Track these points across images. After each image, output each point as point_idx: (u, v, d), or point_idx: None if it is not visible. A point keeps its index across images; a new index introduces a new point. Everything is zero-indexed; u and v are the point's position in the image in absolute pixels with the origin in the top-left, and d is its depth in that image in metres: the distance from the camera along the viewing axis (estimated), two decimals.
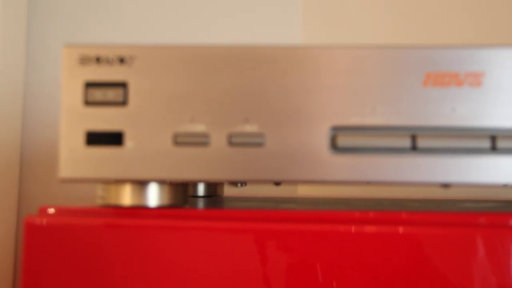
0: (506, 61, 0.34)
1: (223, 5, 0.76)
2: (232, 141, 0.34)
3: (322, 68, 0.34)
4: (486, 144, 0.33)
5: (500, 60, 0.34)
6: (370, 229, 0.33)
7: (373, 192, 0.67)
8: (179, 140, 0.34)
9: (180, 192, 0.38)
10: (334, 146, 0.34)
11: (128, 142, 0.34)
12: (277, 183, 0.40)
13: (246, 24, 0.76)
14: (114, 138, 0.34)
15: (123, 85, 0.34)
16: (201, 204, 0.46)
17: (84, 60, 0.34)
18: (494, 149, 0.33)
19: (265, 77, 0.34)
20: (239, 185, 0.54)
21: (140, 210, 0.36)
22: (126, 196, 0.36)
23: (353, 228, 0.33)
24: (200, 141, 0.34)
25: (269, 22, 0.76)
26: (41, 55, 0.76)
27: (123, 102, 0.34)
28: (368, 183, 0.34)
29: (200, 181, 0.35)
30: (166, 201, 0.37)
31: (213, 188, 0.60)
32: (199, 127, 0.34)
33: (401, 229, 0.33)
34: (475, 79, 0.34)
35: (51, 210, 0.36)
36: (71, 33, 0.76)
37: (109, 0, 0.76)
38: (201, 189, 0.59)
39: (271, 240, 0.33)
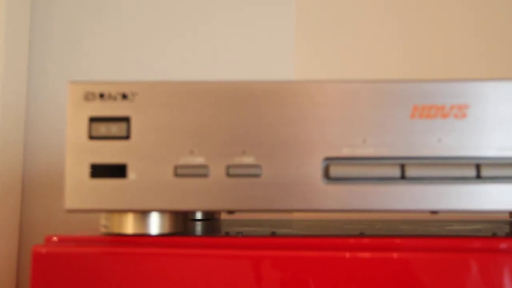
0: (489, 94, 0.36)
1: (216, 41, 0.78)
2: (230, 173, 0.35)
3: (314, 102, 0.36)
4: (472, 172, 0.35)
5: (484, 93, 0.36)
6: (365, 255, 0.35)
7: (365, 214, 0.69)
8: (180, 172, 0.35)
9: (180, 219, 0.39)
10: (327, 176, 0.35)
11: (131, 174, 0.36)
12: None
13: (242, 59, 0.78)
14: (117, 171, 0.36)
15: (126, 119, 0.36)
16: (200, 229, 0.47)
17: (88, 96, 0.36)
18: (479, 177, 0.35)
19: (260, 111, 0.36)
20: None
21: (142, 238, 0.37)
22: (129, 225, 0.38)
23: (348, 255, 0.35)
24: (199, 172, 0.35)
25: (263, 56, 0.78)
26: (41, 81, 0.77)
27: (126, 136, 0.36)
28: (360, 211, 0.36)
29: (200, 210, 0.36)
30: (167, 229, 0.38)
31: (210, 212, 0.62)
32: (199, 159, 0.36)
33: (395, 255, 0.35)
34: (460, 111, 0.36)
35: (57, 239, 0.38)
36: (70, 65, 0.78)
37: (106, 38, 0.78)
38: (199, 213, 0.61)
39: (269, 267, 0.35)
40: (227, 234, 0.41)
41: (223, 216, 0.66)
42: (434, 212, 0.37)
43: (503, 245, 0.35)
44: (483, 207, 0.35)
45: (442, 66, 0.76)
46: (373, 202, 0.35)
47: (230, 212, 0.36)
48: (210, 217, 0.62)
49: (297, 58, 0.78)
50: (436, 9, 0.77)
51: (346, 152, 0.35)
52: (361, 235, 0.39)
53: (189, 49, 0.78)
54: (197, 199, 0.35)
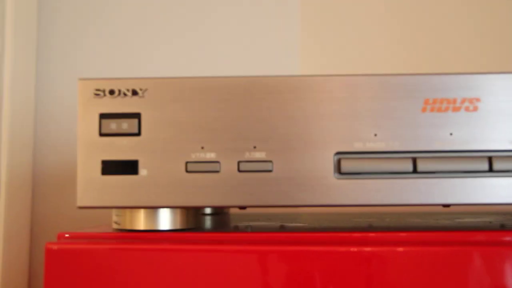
0: (500, 86, 0.35)
1: (222, 40, 0.78)
2: (242, 168, 0.35)
3: (325, 97, 0.35)
4: (484, 166, 0.35)
5: (495, 85, 0.35)
6: (369, 249, 0.35)
7: (377, 208, 0.69)
8: (191, 168, 0.35)
9: (192, 215, 0.39)
10: (339, 170, 0.35)
11: (142, 170, 0.36)
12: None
13: (248, 57, 0.77)
14: (128, 167, 0.36)
15: (136, 116, 0.36)
16: (209, 224, 0.47)
17: (98, 93, 0.36)
18: (491, 170, 0.35)
19: (271, 106, 0.36)
20: None
21: (153, 234, 0.37)
22: (140, 221, 0.38)
23: (353, 249, 0.35)
24: (211, 168, 0.35)
25: (270, 54, 0.78)
26: (50, 79, 0.77)
27: (137, 133, 0.36)
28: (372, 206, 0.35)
29: (212, 207, 0.36)
30: (178, 225, 0.38)
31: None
32: (210, 155, 0.35)
33: (400, 249, 0.34)
34: (471, 104, 0.35)
35: (69, 236, 0.38)
36: (77, 64, 0.78)
37: (112, 37, 0.78)
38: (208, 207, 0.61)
39: (277, 261, 0.35)
40: (236, 229, 0.41)
41: (232, 209, 0.66)
42: (446, 205, 0.37)
43: (508, 238, 0.35)
44: (495, 200, 0.35)
45: (448, 60, 0.76)
46: (385, 197, 0.35)
47: (242, 208, 0.36)
48: (219, 211, 0.62)
49: (303, 54, 0.77)
50: (437, 5, 0.77)
51: (357, 146, 0.35)
52: (369, 228, 0.39)
53: (193, 46, 0.78)
54: (208, 195, 0.35)
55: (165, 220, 0.38)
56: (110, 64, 0.77)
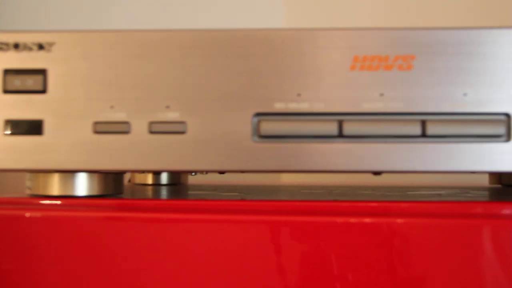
0: (437, 44, 0.32)
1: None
2: (153, 129, 0.33)
3: (244, 53, 0.33)
4: (416, 130, 0.32)
5: (431, 43, 0.32)
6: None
7: (313, 179, 0.66)
8: (99, 129, 0.33)
9: (112, 181, 0.37)
10: (258, 133, 0.32)
11: (48, 130, 0.33)
12: (221, 172, 0.39)
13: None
14: (33, 127, 0.33)
15: (42, 72, 0.33)
16: (141, 193, 0.45)
17: (2, 46, 0.33)
18: (424, 135, 0.32)
19: (185, 63, 0.33)
20: (193, 173, 0.53)
21: (66, 200, 0.35)
22: (54, 186, 0.35)
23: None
24: (120, 129, 0.33)
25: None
26: None
27: (43, 90, 0.33)
28: (294, 171, 0.33)
29: (122, 171, 0.34)
30: (96, 191, 0.36)
31: (176, 176, 0.59)
32: (119, 115, 0.33)
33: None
34: (405, 63, 0.32)
35: None
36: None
37: None
38: (164, 178, 0.58)
39: (200, 231, 0.33)
40: (157, 196, 0.39)
41: (191, 181, 0.63)
42: (376, 173, 0.34)
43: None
44: (430, 168, 0.32)
45: (436, 14, 0.72)
46: (309, 162, 0.33)
47: (155, 172, 0.33)
48: (176, 182, 0.59)
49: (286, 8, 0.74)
50: None
51: (279, 107, 0.33)
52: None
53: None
54: (118, 158, 0.33)
55: (82, 185, 0.36)
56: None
